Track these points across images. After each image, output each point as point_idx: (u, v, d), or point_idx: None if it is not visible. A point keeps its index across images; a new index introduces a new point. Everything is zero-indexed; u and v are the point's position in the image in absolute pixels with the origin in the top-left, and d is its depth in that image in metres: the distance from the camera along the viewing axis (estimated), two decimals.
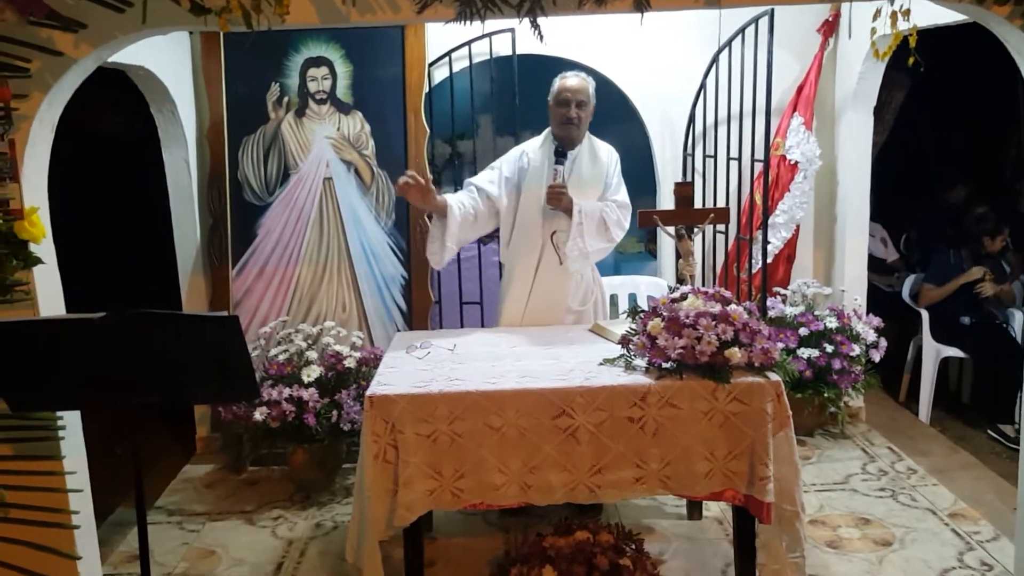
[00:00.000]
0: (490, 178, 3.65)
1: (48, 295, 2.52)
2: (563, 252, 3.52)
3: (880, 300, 5.22)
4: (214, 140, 4.32)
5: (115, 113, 5.96)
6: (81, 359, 2.09)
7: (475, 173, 4.66)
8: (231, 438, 4.33)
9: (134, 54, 3.53)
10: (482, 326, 4.46)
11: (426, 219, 3.57)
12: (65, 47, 2.36)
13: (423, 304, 4.43)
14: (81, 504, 2.64)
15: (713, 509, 3.68)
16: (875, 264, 5.61)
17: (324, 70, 4.34)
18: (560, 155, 3.50)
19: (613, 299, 4.44)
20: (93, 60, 2.46)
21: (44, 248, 2.49)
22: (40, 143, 2.49)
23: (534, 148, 3.67)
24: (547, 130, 3.69)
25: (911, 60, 2.48)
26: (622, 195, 3.63)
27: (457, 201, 3.55)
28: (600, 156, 3.65)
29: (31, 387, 2.15)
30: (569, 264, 3.54)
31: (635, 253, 6.28)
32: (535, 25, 2.42)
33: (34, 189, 2.47)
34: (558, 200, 3.45)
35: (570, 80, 3.57)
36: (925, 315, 4.95)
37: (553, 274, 3.60)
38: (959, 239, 5.14)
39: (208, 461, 4.46)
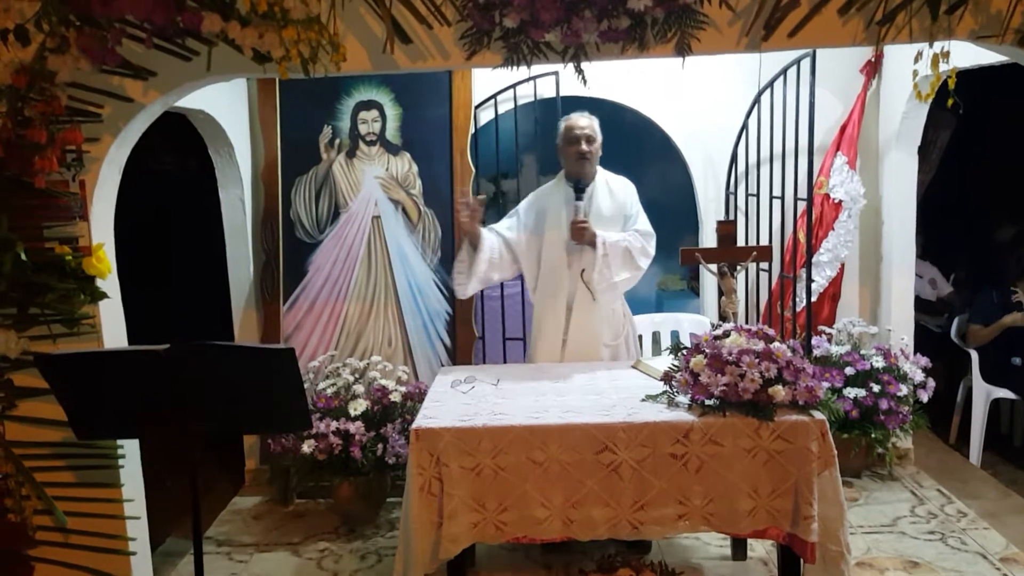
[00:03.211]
0: (508, 224, 3.80)
1: (112, 328, 2.64)
2: (591, 284, 3.60)
3: (928, 340, 5.16)
4: (268, 180, 4.47)
5: (172, 153, 6.18)
6: (145, 389, 2.19)
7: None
8: (279, 471, 4.41)
9: (195, 99, 3.69)
10: (525, 362, 4.50)
11: (465, 248, 3.72)
12: (134, 93, 2.51)
13: (467, 340, 4.49)
14: (138, 531, 2.73)
15: (758, 550, 3.65)
16: (923, 304, 5.54)
17: (374, 113, 4.48)
18: (579, 191, 3.59)
19: (655, 336, 4.46)
20: (160, 105, 2.61)
21: (109, 283, 2.61)
22: (108, 184, 2.63)
23: (548, 192, 3.78)
24: (560, 173, 3.79)
25: (950, 101, 2.51)
26: (643, 223, 3.72)
27: (491, 237, 3.73)
28: (615, 189, 3.74)
29: (97, 416, 2.25)
30: (599, 296, 3.62)
31: (678, 290, 6.29)
32: (579, 70, 2.50)
33: (101, 227, 2.61)
34: (581, 235, 3.54)
35: (576, 119, 3.68)
36: (975, 356, 4.87)
37: (587, 311, 3.67)
38: (1002, 278, 5.08)
39: (256, 493, 4.54)
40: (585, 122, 3.67)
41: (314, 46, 2.26)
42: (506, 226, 3.80)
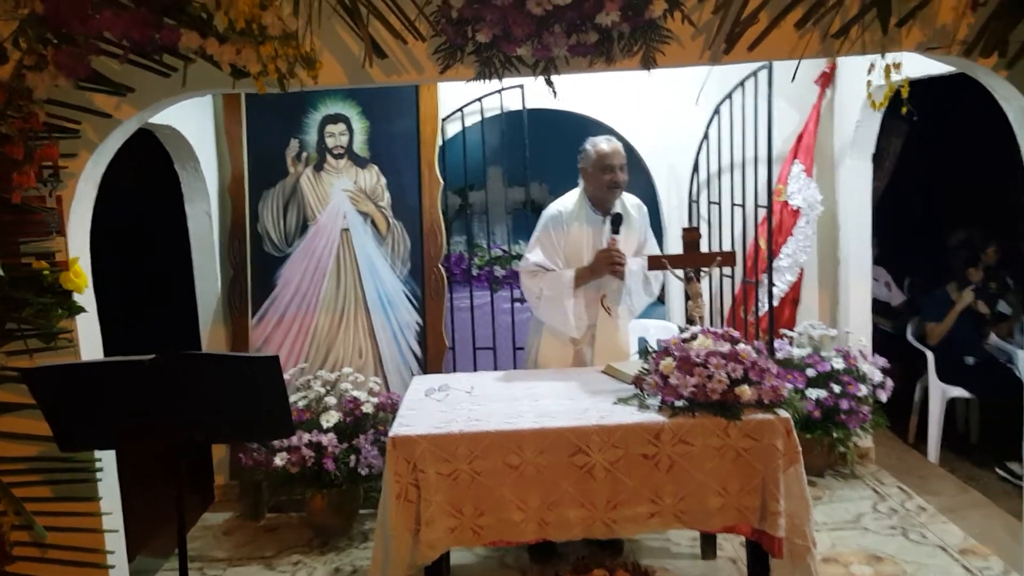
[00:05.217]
0: (550, 258, 3.72)
1: (89, 342, 2.65)
2: (614, 312, 3.71)
3: (885, 342, 5.31)
4: (235, 194, 4.48)
5: (136, 168, 6.13)
6: (129, 400, 2.20)
7: (487, 222, 4.83)
8: (249, 485, 4.40)
9: (162, 114, 3.64)
10: (495, 370, 4.56)
11: (564, 289, 3.64)
12: (111, 109, 2.53)
13: (438, 350, 4.53)
14: (115, 544, 2.73)
15: (727, 549, 3.73)
16: (879, 307, 5.70)
17: (341, 126, 4.51)
18: (615, 224, 3.62)
19: None
20: (136, 121, 2.63)
21: (86, 298, 2.62)
22: (85, 199, 2.64)
23: (569, 212, 3.74)
24: (578, 192, 3.78)
25: (904, 109, 2.63)
26: (654, 248, 3.86)
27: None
28: (632, 213, 3.79)
29: (81, 428, 2.26)
30: (618, 322, 3.75)
31: None
32: (550, 83, 2.58)
33: (78, 243, 2.62)
34: (617, 271, 3.61)
35: (605, 145, 3.67)
36: (930, 356, 5.02)
37: (611, 331, 3.76)
38: (945, 275, 5.30)
39: (226, 509, 4.52)
40: (615, 148, 3.66)
41: (291, 61, 2.31)
42: (547, 260, 3.72)
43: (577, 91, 4.48)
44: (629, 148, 4.73)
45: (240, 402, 2.24)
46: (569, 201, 3.79)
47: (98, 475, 2.64)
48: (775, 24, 2.53)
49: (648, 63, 2.55)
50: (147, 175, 5.77)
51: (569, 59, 2.55)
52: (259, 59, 2.25)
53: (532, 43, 2.44)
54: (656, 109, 4.69)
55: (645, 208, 3.90)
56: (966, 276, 5.20)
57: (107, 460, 2.73)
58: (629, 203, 3.81)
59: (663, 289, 5.22)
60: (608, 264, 3.59)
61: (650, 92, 4.48)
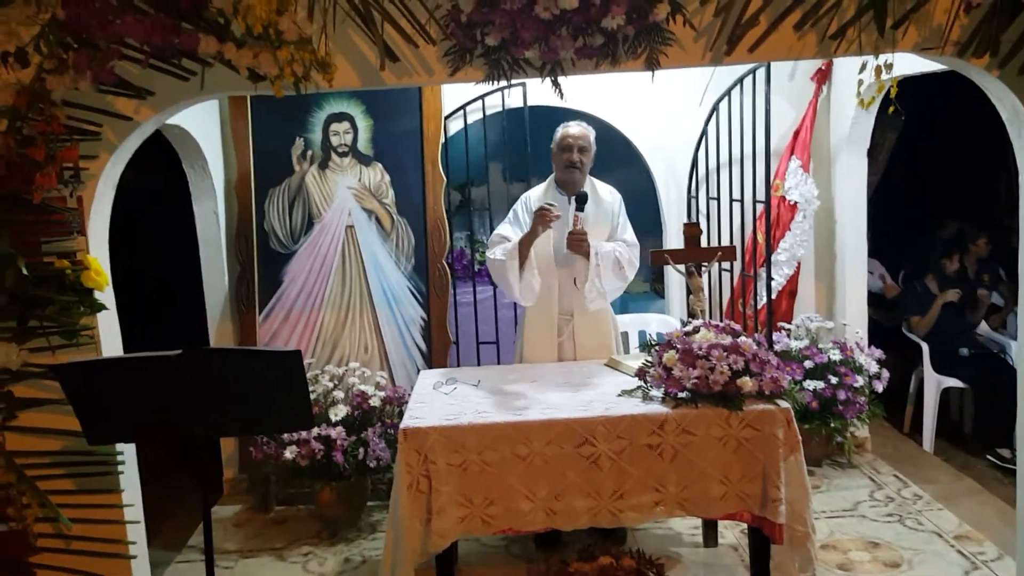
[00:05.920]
0: (515, 233, 3.77)
1: (109, 338, 2.73)
2: (581, 287, 3.69)
3: (881, 334, 5.39)
4: (242, 192, 4.54)
5: (145, 167, 6.17)
6: (155, 395, 2.28)
7: (489, 217, 4.90)
8: (258, 479, 4.47)
9: None
10: (498, 364, 4.64)
11: (511, 257, 3.63)
12: (130, 112, 2.60)
13: (442, 344, 4.61)
14: (137, 535, 2.80)
15: (728, 537, 3.82)
16: (873, 299, 5.79)
17: (346, 125, 4.58)
18: (580, 203, 3.65)
19: (624, 336, 4.62)
20: (153, 123, 2.70)
21: (106, 295, 2.69)
22: (104, 199, 2.71)
23: (539, 196, 3.85)
24: (550, 177, 3.89)
25: (891, 109, 2.71)
26: (630, 235, 3.84)
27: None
28: (604, 198, 3.85)
29: (109, 422, 2.34)
30: (588, 304, 3.70)
31: (641, 292, 6.46)
32: (556, 84, 2.66)
33: (98, 242, 2.69)
34: (579, 246, 3.62)
35: (572, 128, 3.78)
36: (925, 347, 5.11)
37: (592, 316, 3.79)
38: (923, 268, 5.41)
39: (235, 502, 4.58)
40: (580, 131, 3.76)
41: (307, 65, 2.38)
42: (512, 234, 3.77)
43: (578, 89, 4.53)
44: (628, 144, 4.85)
45: (263, 395, 2.32)
46: (540, 187, 3.91)
47: (120, 468, 2.71)
48: (774, 27, 2.60)
49: (652, 65, 2.62)
50: (155, 174, 5.82)
51: (575, 61, 2.62)
52: (276, 63, 2.32)
53: (540, 46, 2.51)
54: (655, 107, 4.76)
55: (620, 196, 3.93)
56: (941, 268, 5.31)
57: (128, 452, 2.80)
58: (601, 190, 3.88)
59: (662, 284, 5.31)
60: (541, 219, 3.56)
61: (650, 90, 4.54)
